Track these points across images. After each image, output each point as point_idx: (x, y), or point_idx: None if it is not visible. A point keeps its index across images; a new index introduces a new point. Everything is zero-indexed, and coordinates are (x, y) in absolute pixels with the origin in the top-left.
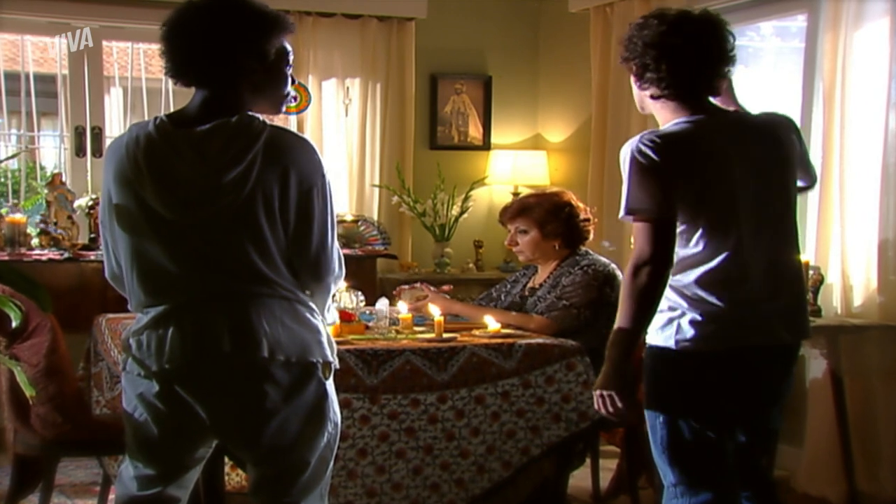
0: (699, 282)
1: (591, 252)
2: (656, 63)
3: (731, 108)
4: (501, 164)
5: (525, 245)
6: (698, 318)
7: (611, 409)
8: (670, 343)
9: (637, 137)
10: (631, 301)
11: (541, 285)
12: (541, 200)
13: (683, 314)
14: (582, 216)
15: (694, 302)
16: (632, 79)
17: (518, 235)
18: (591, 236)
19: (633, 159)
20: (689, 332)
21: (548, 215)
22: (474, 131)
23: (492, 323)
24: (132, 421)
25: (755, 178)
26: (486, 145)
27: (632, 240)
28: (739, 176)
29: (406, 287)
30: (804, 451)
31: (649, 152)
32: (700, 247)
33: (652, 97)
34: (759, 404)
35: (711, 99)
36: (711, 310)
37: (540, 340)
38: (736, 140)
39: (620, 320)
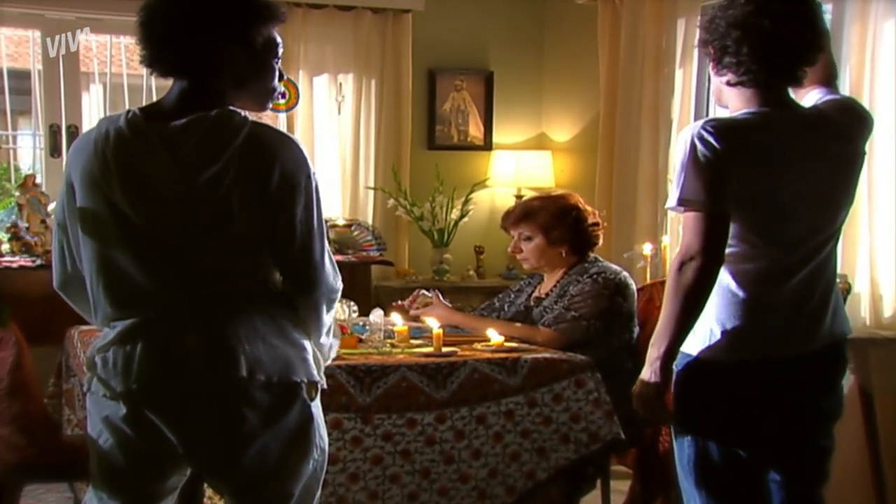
0: (734, 281)
1: (600, 259)
2: (738, 45)
3: (818, 92)
4: (504, 165)
5: (529, 252)
6: (728, 324)
7: (648, 412)
8: (698, 352)
9: (699, 122)
10: (674, 298)
11: (547, 295)
12: (546, 204)
13: (714, 319)
14: (590, 220)
15: (726, 306)
16: (710, 67)
17: (522, 242)
18: (601, 242)
19: (691, 146)
20: (718, 339)
21: (553, 220)
22: (475, 130)
23: (495, 336)
24: (97, 447)
25: (818, 179)
26: (487, 145)
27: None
28: (800, 175)
29: (424, 292)
30: (832, 472)
31: (710, 139)
32: (740, 247)
33: (728, 84)
34: (799, 421)
35: (791, 91)
36: (743, 314)
37: (547, 355)
38: (804, 137)
39: (661, 319)
